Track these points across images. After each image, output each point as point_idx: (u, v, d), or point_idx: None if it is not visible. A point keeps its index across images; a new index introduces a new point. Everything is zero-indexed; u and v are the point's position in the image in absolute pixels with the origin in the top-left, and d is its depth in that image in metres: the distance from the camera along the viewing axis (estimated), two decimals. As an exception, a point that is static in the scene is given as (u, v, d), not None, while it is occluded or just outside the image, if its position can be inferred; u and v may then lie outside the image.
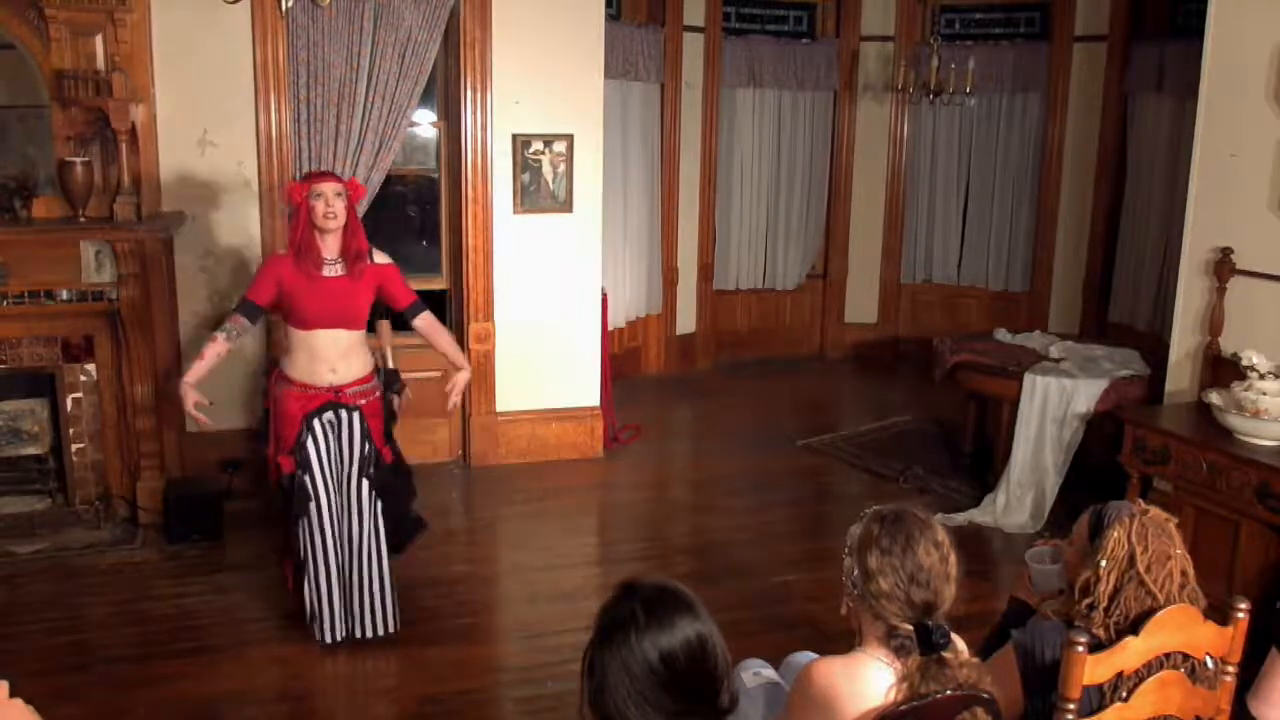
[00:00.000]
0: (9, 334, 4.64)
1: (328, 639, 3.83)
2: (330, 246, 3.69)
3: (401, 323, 4.16)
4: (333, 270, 3.69)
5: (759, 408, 7.10)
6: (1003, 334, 6.11)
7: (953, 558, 2.03)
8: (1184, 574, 2.26)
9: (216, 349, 3.73)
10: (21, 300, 4.59)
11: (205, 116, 5.09)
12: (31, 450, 4.90)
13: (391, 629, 3.90)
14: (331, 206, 3.63)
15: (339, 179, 3.73)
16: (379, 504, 3.84)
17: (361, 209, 5.22)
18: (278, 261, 3.74)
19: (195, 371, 3.74)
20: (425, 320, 3.94)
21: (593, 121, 5.70)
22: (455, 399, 4.00)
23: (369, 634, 3.86)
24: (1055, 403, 5.09)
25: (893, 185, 8.37)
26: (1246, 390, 4.05)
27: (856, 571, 2.04)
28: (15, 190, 4.57)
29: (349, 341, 3.74)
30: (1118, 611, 2.23)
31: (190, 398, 3.69)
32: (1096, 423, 5.04)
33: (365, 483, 3.80)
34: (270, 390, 3.84)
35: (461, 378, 4.01)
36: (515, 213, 5.64)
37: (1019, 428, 5.16)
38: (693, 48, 7.54)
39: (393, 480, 3.93)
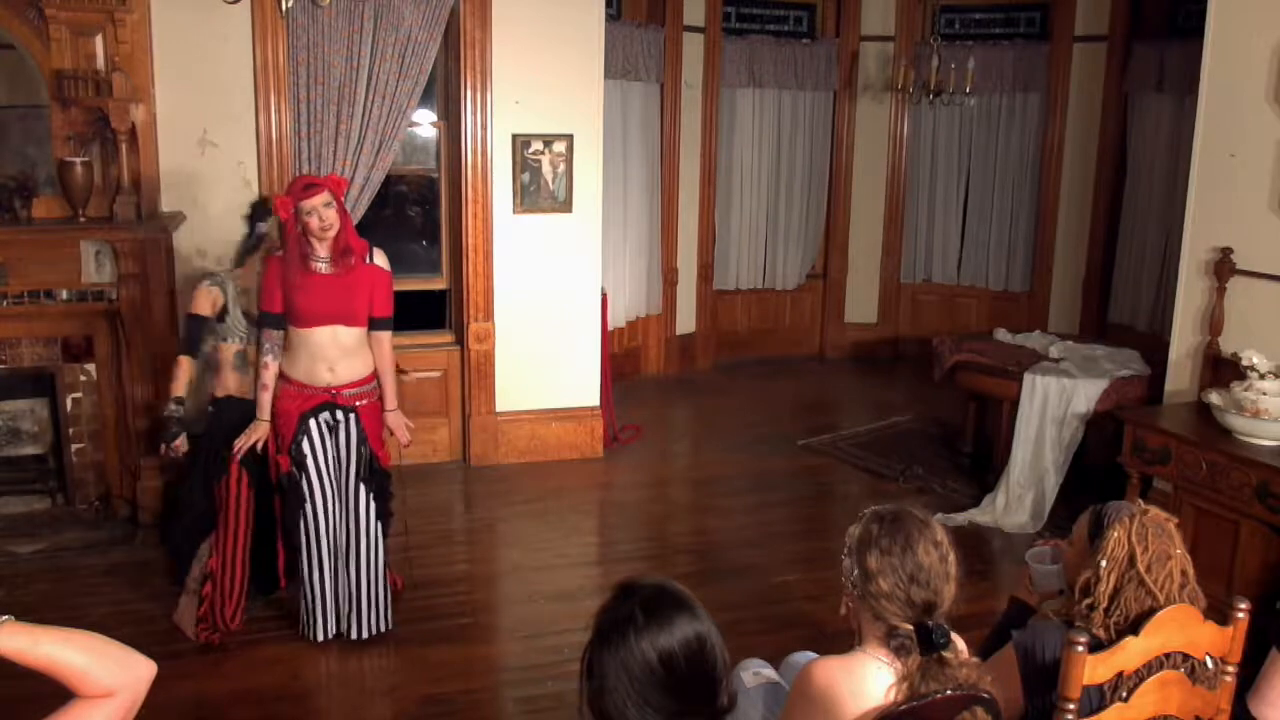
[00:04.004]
0: (9, 334, 4.64)
1: (319, 637, 3.84)
2: (323, 248, 3.66)
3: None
4: (326, 267, 3.68)
5: (759, 408, 7.10)
6: (1003, 334, 6.11)
7: (952, 557, 2.03)
8: (1184, 574, 2.26)
9: (272, 372, 3.74)
10: (21, 300, 4.59)
11: (205, 116, 5.09)
12: (31, 450, 4.90)
13: (384, 629, 3.90)
14: (324, 219, 3.59)
15: (322, 185, 3.64)
16: (374, 505, 3.84)
17: (362, 208, 5.25)
18: (274, 265, 3.71)
19: (266, 405, 3.74)
20: (384, 338, 3.85)
21: (593, 121, 5.70)
22: (405, 437, 3.95)
23: (361, 634, 3.87)
24: (1055, 403, 5.09)
25: (893, 185, 8.37)
26: (1246, 390, 4.05)
27: (856, 572, 2.04)
28: (15, 190, 4.57)
29: (349, 340, 3.73)
30: (1118, 611, 2.23)
31: (261, 435, 3.73)
32: (1096, 423, 5.04)
33: (362, 485, 3.80)
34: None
35: (392, 418, 3.93)
36: (515, 213, 5.64)
37: (1019, 428, 5.16)
38: (693, 48, 7.54)
39: (386, 482, 3.94)
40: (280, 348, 3.74)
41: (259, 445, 3.75)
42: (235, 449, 3.73)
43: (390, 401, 3.91)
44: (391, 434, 3.95)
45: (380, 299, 3.80)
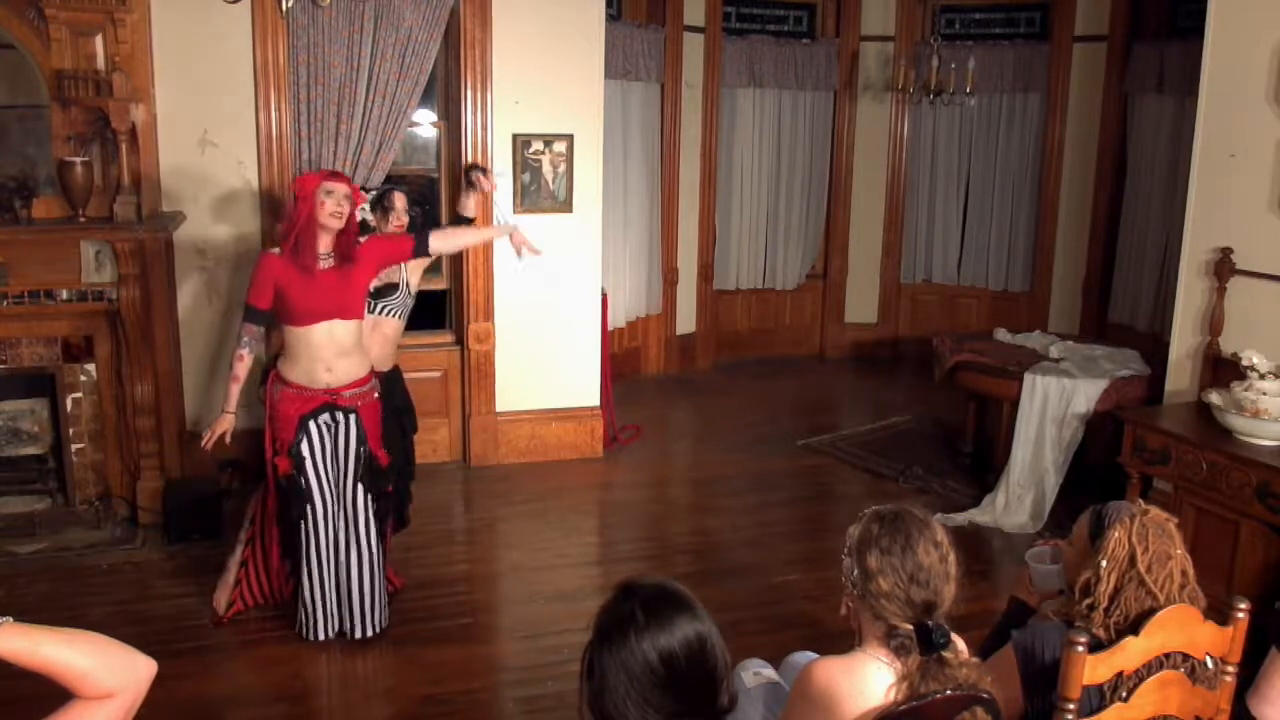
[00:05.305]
0: (9, 334, 4.64)
1: (319, 637, 3.85)
2: (325, 242, 3.72)
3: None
4: (325, 263, 3.72)
5: (759, 408, 7.09)
6: (1003, 334, 6.11)
7: (952, 557, 2.03)
8: (1184, 574, 2.26)
9: (245, 365, 3.79)
10: (21, 300, 4.58)
11: (205, 116, 5.09)
12: (31, 450, 4.90)
13: (381, 627, 3.91)
14: (340, 207, 3.68)
15: (349, 182, 3.78)
16: (373, 506, 3.84)
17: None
18: (270, 261, 3.73)
19: (234, 396, 3.79)
20: (437, 237, 4.05)
21: (593, 121, 5.70)
22: (534, 247, 4.27)
23: (359, 634, 3.87)
24: (1055, 403, 5.09)
25: (893, 185, 8.37)
26: (1246, 390, 4.05)
27: (856, 571, 2.04)
28: (15, 190, 4.56)
29: (346, 336, 3.75)
30: (1118, 611, 2.23)
31: (225, 427, 3.76)
32: (1096, 423, 5.04)
33: (360, 486, 3.80)
34: (267, 392, 3.84)
35: (518, 237, 4.29)
36: (515, 213, 5.64)
37: (1019, 428, 5.16)
38: (693, 48, 7.54)
39: (387, 482, 3.95)
40: (257, 342, 3.80)
41: (227, 437, 3.78)
42: (203, 442, 3.78)
43: (495, 231, 4.56)
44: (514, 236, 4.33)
45: (392, 247, 3.94)
